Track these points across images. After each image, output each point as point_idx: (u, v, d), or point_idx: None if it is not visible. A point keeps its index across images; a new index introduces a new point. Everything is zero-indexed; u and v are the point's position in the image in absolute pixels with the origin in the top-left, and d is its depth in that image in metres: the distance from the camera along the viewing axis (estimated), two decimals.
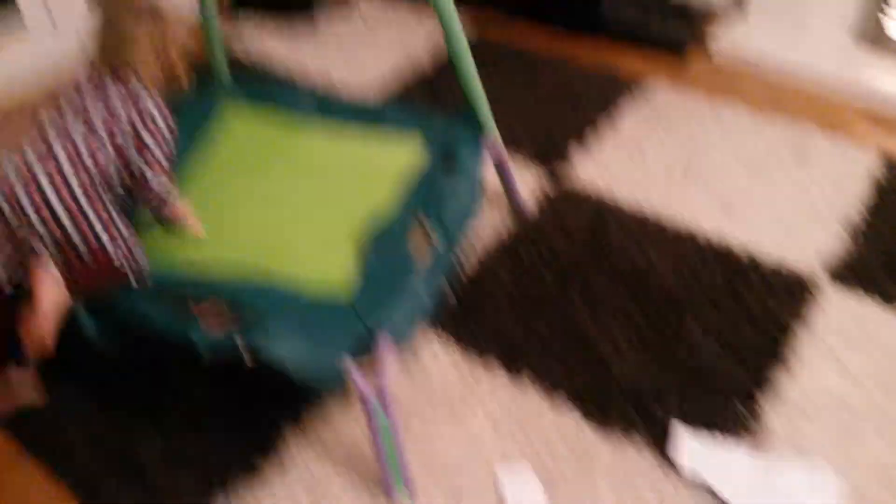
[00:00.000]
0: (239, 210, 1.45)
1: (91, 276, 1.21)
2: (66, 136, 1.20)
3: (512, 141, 2.03)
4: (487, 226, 1.78)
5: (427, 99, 2.24)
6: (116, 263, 1.21)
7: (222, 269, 1.29)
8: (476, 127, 1.59)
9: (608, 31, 2.53)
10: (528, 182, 1.92)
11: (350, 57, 2.47)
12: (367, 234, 1.35)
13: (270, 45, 2.56)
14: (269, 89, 1.78)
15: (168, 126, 1.28)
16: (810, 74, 2.30)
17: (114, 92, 1.25)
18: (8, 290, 1.19)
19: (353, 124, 1.67)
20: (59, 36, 2.41)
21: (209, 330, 1.15)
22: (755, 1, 2.48)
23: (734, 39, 2.45)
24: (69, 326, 1.23)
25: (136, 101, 1.25)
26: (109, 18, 1.26)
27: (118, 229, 1.21)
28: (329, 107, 1.71)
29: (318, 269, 1.29)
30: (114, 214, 1.22)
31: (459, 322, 1.56)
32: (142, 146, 1.25)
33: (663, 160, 2.00)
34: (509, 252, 1.72)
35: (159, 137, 1.27)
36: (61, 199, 1.16)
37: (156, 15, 1.28)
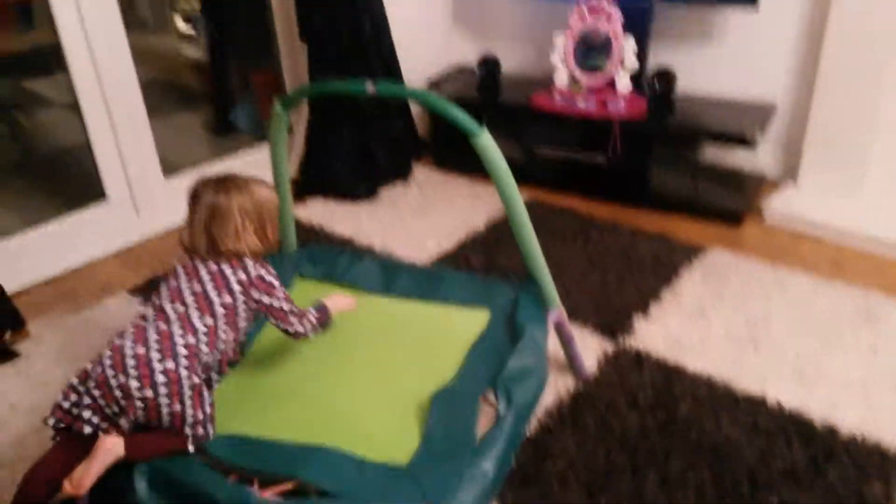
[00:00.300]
0: (303, 379, 1.46)
1: (158, 444, 1.24)
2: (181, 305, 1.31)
3: (571, 305, 2.04)
4: (549, 391, 1.75)
5: (484, 264, 2.29)
6: (187, 434, 1.24)
7: (283, 439, 1.28)
8: (539, 296, 1.61)
9: (659, 204, 2.61)
10: (590, 347, 1.90)
11: (408, 224, 2.57)
12: (432, 406, 1.34)
13: (331, 211, 2.69)
14: (334, 257, 1.85)
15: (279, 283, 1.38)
16: (869, 236, 2.29)
17: (219, 268, 1.34)
18: (87, 431, 1.24)
19: (418, 294, 1.71)
20: (140, 219, 2.61)
21: (267, 502, 1.13)
22: (807, 165, 2.53)
23: (788, 204, 2.48)
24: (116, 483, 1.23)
25: (244, 269, 1.35)
26: (208, 198, 1.36)
27: (202, 404, 1.25)
28: (394, 276, 1.76)
29: (382, 442, 1.28)
30: (203, 389, 1.26)
31: (522, 495, 1.49)
32: (264, 307, 1.36)
33: (727, 325, 1.97)
34: (572, 419, 1.67)
35: (277, 294, 1.36)
36: (164, 367, 1.22)
37: (249, 188, 1.39)
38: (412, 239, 2.49)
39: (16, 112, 2.95)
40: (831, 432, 1.61)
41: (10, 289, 2.15)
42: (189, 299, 1.31)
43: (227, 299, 1.32)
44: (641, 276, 2.19)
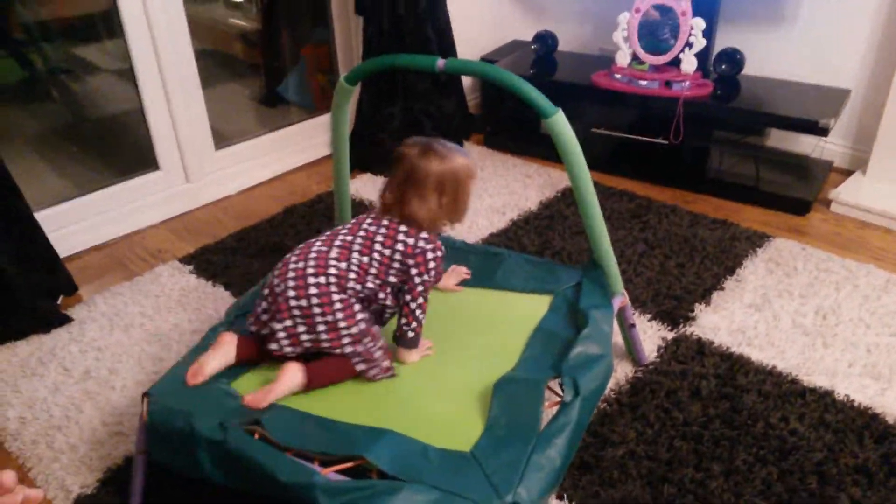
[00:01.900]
0: None
1: (333, 373, 1.35)
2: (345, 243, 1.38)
3: (629, 291, 1.98)
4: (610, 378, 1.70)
5: (538, 245, 2.23)
6: (358, 368, 1.35)
7: (349, 423, 1.25)
8: (604, 282, 1.56)
9: (721, 190, 2.52)
10: (648, 334, 1.84)
11: None
12: (494, 393, 1.29)
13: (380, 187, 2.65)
14: None
15: (436, 268, 1.40)
16: None
17: (397, 228, 1.39)
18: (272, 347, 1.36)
19: (479, 277, 1.66)
20: (191, 188, 2.61)
21: (330, 482, 1.10)
22: (879, 153, 2.42)
23: (857, 193, 2.38)
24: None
25: (415, 238, 1.39)
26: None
27: (356, 319, 1.33)
28: (454, 258, 1.72)
29: (445, 429, 1.24)
30: (355, 305, 1.34)
31: (583, 483, 1.45)
32: (408, 279, 1.39)
33: (794, 317, 1.89)
34: (632, 406, 1.62)
35: (426, 273, 1.39)
36: (316, 282, 1.32)
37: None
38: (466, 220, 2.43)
39: (66, 78, 2.96)
40: None
41: (62, 253, 2.16)
42: (359, 238, 1.38)
43: (387, 252, 1.37)
44: (702, 264, 2.12)
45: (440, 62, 1.42)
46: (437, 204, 1.39)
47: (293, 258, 1.38)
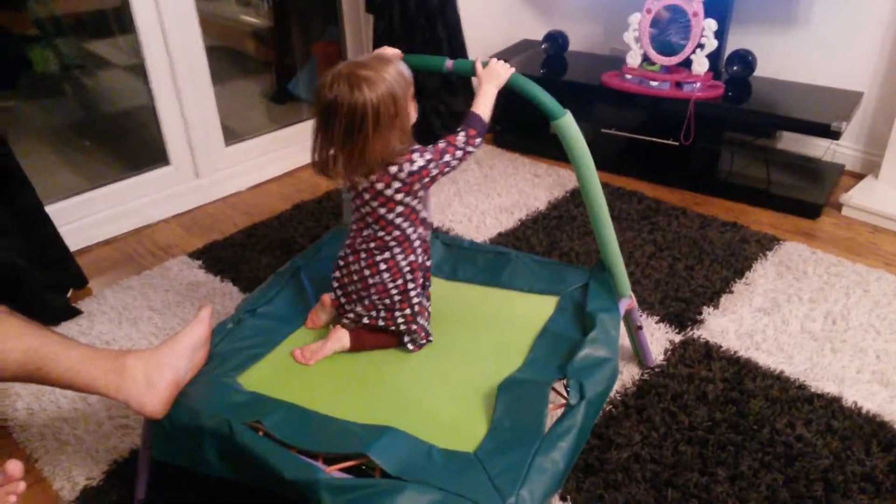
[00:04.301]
0: (369, 363, 1.42)
1: (376, 339, 1.43)
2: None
3: (637, 292, 1.98)
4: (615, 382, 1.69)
5: (546, 245, 2.23)
6: (401, 329, 1.41)
7: (353, 421, 1.25)
8: (612, 284, 1.55)
9: (731, 192, 2.51)
10: (656, 336, 1.84)
11: (466, 201, 2.52)
12: (499, 395, 1.29)
13: None
14: None
15: (433, 151, 1.31)
16: None
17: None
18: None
19: (485, 277, 1.66)
20: (201, 184, 2.62)
21: (334, 479, 1.10)
22: (891, 157, 2.40)
23: (868, 197, 2.36)
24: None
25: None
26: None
27: (409, 301, 1.39)
28: (460, 257, 1.72)
29: (448, 429, 1.24)
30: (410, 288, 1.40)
31: (586, 486, 1.45)
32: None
33: (803, 321, 1.88)
34: (637, 409, 1.62)
35: (430, 170, 1.30)
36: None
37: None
38: (471, 216, 2.44)
39: (79, 73, 2.97)
40: None
41: (72, 247, 2.17)
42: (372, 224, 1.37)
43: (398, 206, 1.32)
44: (711, 266, 2.11)
45: (448, 63, 1.42)
46: (390, 131, 1.24)
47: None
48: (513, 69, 1.39)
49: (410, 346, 1.43)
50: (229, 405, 1.26)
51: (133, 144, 2.80)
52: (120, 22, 2.40)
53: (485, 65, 1.38)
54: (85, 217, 2.36)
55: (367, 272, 1.38)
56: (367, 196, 1.32)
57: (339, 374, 1.39)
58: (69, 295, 2.10)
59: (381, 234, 1.34)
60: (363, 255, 1.38)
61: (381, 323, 1.41)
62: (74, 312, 2.00)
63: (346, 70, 1.22)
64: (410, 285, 1.39)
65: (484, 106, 1.36)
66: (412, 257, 1.38)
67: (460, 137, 1.31)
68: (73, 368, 1.25)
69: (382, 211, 1.32)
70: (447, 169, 1.31)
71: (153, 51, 2.36)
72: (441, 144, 1.31)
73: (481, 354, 1.44)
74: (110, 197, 2.42)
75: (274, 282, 1.62)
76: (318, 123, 1.27)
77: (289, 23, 3.33)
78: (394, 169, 1.27)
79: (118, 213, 2.42)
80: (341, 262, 1.43)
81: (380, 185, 1.29)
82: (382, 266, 1.36)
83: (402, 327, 1.41)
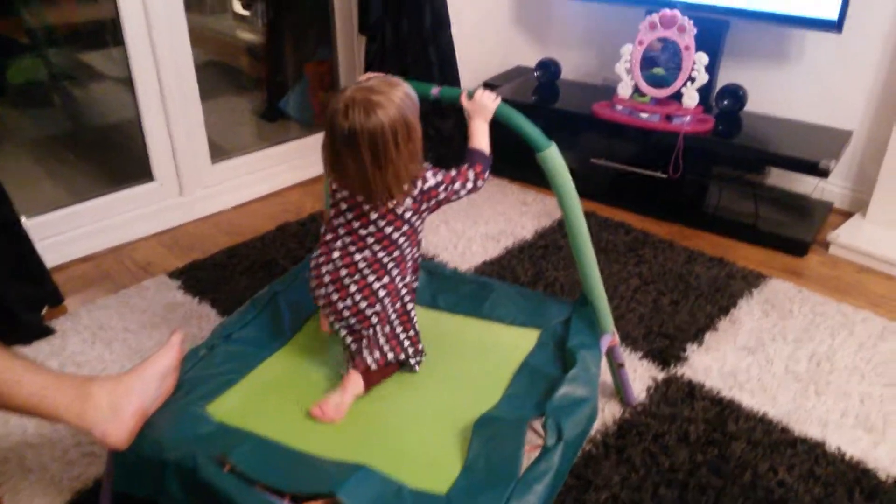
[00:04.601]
0: None
1: (381, 373, 1.38)
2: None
3: (620, 327, 1.95)
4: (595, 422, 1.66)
5: (531, 275, 2.20)
6: (409, 353, 1.40)
7: (320, 454, 1.21)
8: (594, 319, 1.52)
9: (719, 227, 2.50)
10: (639, 373, 1.81)
11: (453, 227, 2.49)
12: (474, 433, 1.26)
13: None
14: None
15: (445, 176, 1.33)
16: None
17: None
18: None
19: (466, 307, 1.63)
20: (185, 202, 2.59)
21: None
22: (879, 196, 2.39)
23: (856, 236, 2.35)
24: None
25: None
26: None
27: (411, 322, 1.39)
28: (441, 286, 1.69)
29: (421, 467, 1.20)
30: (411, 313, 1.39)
31: None
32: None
33: (787, 362, 1.86)
34: (617, 449, 1.59)
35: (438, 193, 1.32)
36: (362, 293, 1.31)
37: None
38: (457, 243, 2.41)
39: (68, 84, 2.95)
40: None
41: (51, 263, 2.14)
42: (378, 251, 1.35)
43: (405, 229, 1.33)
44: (697, 302, 2.08)
45: (435, 90, 1.40)
46: (412, 150, 1.24)
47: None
48: (499, 99, 1.37)
49: (417, 368, 1.42)
50: (195, 437, 1.22)
51: (120, 158, 2.77)
52: (115, 33, 2.38)
53: (471, 95, 1.36)
54: (65, 232, 2.31)
55: (363, 304, 1.31)
56: (374, 216, 1.28)
57: (310, 404, 1.35)
58: (44, 313, 2.05)
59: (381, 254, 1.30)
60: (352, 285, 1.31)
61: (390, 356, 1.37)
62: (47, 331, 1.95)
63: (359, 96, 1.19)
64: (409, 305, 1.38)
65: (481, 141, 1.37)
66: (409, 278, 1.37)
67: (471, 174, 1.34)
68: (37, 395, 1.21)
69: (389, 230, 1.29)
70: (454, 196, 1.33)
71: (141, 64, 2.33)
72: (453, 172, 1.32)
73: (459, 388, 1.41)
74: (91, 212, 2.38)
75: (251, 307, 1.58)
76: (336, 149, 1.22)
77: (282, 40, 3.32)
78: (407, 186, 1.27)
79: (99, 229, 2.38)
80: (322, 293, 1.34)
81: (391, 203, 1.27)
82: (382, 293, 1.32)
83: (410, 350, 1.40)
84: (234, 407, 1.34)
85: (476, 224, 2.53)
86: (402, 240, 1.31)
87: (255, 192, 2.76)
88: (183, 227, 2.54)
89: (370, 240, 1.30)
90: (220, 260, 2.29)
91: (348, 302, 1.31)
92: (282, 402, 1.36)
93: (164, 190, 2.52)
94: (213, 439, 1.22)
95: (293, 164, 2.87)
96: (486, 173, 1.36)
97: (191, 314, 2.02)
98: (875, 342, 1.93)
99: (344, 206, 1.31)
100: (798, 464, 1.55)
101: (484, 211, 2.62)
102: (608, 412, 1.68)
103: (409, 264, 1.36)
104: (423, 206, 1.31)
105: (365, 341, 1.36)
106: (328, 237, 1.34)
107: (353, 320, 1.33)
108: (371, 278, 1.31)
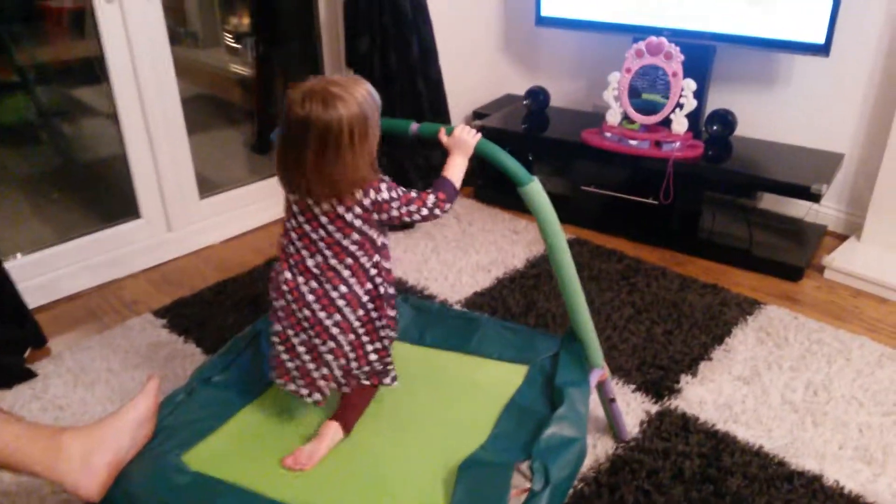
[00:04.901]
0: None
1: (359, 409, 1.36)
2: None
3: (613, 358, 1.92)
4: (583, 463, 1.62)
5: (522, 306, 2.17)
6: (377, 370, 1.36)
7: (300, 498, 1.18)
8: (582, 354, 1.49)
9: (712, 253, 2.47)
10: (632, 406, 1.77)
11: (443, 258, 2.47)
12: (459, 477, 1.22)
13: None
14: None
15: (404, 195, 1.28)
16: None
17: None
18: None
19: (453, 343, 1.60)
20: (173, 238, 2.57)
21: None
22: (873, 220, 2.37)
23: (851, 260, 2.32)
24: None
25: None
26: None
27: (378, 333, 1.32)
28: (428, 322, 1.66)
29: None
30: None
31: None
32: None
33: (783, 392, 1.82)
34: (610, 487, 1.54)
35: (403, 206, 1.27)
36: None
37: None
38: (447, 273, 2.38)
39: (59, 121, 2.94)
40: None
41: (37, 302, 2.11)
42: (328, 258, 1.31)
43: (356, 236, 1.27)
44: (691, 331, 2.05)
45: (414, 126, 1.38)
46: (362, 152, 1.20)
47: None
48: (479, 135, 1.35)
49: (394, 384, 1.39)
50: (170, 488, 1.19)
51: (108, 195, 2.75)
52: (104, 69, 2.37)
53: (449, 132, 1.34)
54: (50, 272, 2.29)
55: (322, 314, 1.26)
56: (324, 220, 1.25)
57: (291, 451, 1.32)
58: (27, 355, 2.02)
59: (333, 261, 1.26)
60: (309, 294, 1.26)
61: (354, 366, 1.31)
62: (29, 375, 1.92)
63: (318, 86, 1.17)
64: (374, 314, 1.31)
65: (453, 174, 1.34)
66: (369, 285, 1.29)
67: (430, 199, 1.29)
68: (10, 446, 1.18)
69: (338, 236, 1.25)
70: (407, 218, 1.28)
71: (126, 101, 2.33)
72: (413, 194, 1.28)
73: (445, 428, 1.38)
74: (78, 251, 2.35)
75: (232, 347, 1.56)
76: (286, 140, 1.21)
77: (272, 73, 3.32)
78: (359, 194, 1.23)
79: (84, 268, 2.35)
80: (282, 304, 1.30)
81: (340, 209, 1.23)
82: (341, 302, 1.27)
83: (378, 364, 1.34)
84: (211, 456, 1.30)
85: (467, 254, 2.50)
86: (353, 247, 1.26)
87: (245, 226, 2.74)
88: (171, 262, 2.51)
89: (321, 244, 1.26)
90: (207, 296, 2.26)
91: (306, 312, 1.27)
92: (262, 451, 1.32)
93: (151, 227, 2.50)
94: (188, 491, 1.19)
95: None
96: (448, 204, 1.30)
97: (175, 354, 1.98)
98: (873, 369, 1.89)
99: (296, 208, 1.28)
100: (795, 499, 1.51)
101: (476, 240, 2.60)
102: (600, 448, 1.64)
103: (374, 272, 1.29)
104: (375, 217, 1.26)
105: (330, 354, 1.29)
106: (284, 242, 1.31)
107: (312, 332, 1.27)
108: (327, 286, 1.26)
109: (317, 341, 1.28)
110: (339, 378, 1.32)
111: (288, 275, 1.28)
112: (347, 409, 1.35)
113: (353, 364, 1.32)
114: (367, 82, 1.25)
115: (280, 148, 1.24)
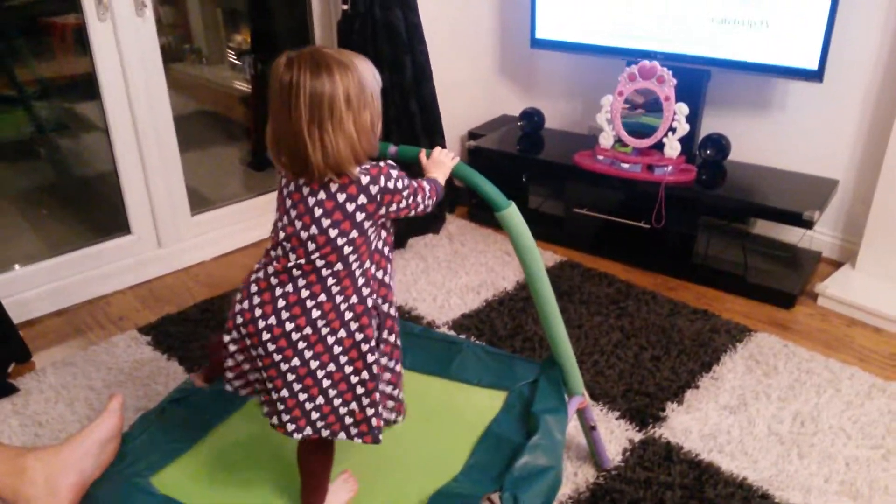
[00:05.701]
0: (295, 463, 1.33)
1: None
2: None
3: (598, 383, 1.90)
4: (565, 482, 1.59)
5: (509, 329, 2.15)
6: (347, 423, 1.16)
7: None
8: (562, 380, 1.47)
9: (703, 278, 2.45)
10: (615, 434, 1.74)
11: (433, 279, 2.45)
12: None
13: None
14: None
15: (409, 185, 1.14)
16: None
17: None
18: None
19: (432, 367, 1.58)
20: (163, 254, 2.56)
21: None
22: (867, 247, 2.34)
23: (844, 288, 2.29)
24: None
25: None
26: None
27: (364, 360, 1.12)
28: (408, 345, 1.63)
29: None
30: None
31: None
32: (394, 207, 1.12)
33: (770, 422, 1.79)
34: None
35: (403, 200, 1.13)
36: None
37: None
38: (436, 294, 2.37)
39: (55, 135, 2.96)
40: None
41: (25, 317, 2.11)
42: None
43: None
44: (679, 358, 2.02)
45: (392, 149, 1.38)
46: (358, 124, 1.05)
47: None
48: (457, 159, 1.34)
49: (401, 419, 1.24)
50: None
51: (101, 210, 2.75)
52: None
53: (428, 155, 1.34)
54: (39, 286, 2.29)
55: (289, 325, 1.07)
56: (318, 212, 1.06)
57: (261, 478, 1.30)
58: (11, 370, 2.01)
59: (319, 262, 1.07)
60: (281, 299, 1.08)
61: (337, 403, 1.11)
62: (10, 390, 1.91)
63: (308, 51, 1.03)
64: (359, 336, 1.10)
65: (438, 179, 1.27)
66: (354, 299, 1.10)
67: (426, 184, 1.18)
68: None
69: (333, 233, 1.06)
70: (409, 212, 1.15)
71: (117, 118, 2.33)
72: (415, 184, 1.15)
73: (419, 457, 1.36)
74: (67, 266, 2.35)
75: None
76: (271, 111, 1.05)
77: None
78: (365, 179, 1.06)
79: (73, 283, 2.35)
80: (245, 307, 1.11)
81: (341, 197, 1.06)
82: (315, 313, 1.08)
83: (369, 408, 1.12)
84: (183, 478, 1.29)
85: (457, 275, 2.49)
86: (347, 248, 1.07)
87: (237, 243, 2.73)
88: (160, 279, 2.51)
89: (311, 245, 1.07)
90: (193, 314, 2.25)
91: (272, 320, 1.07)
92: (233, 474, 1.30)
93: (141, 243, 2.50)
94: None
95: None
96: (436, 199, 1.21)
97: (157, 371, 1.97)
98: (862, 401, 1.86)
99: (285, 191, 1.11)
100: None
101: (466, 261, 2.58)
102: (581, 476, 1.62)
103: (361, 281, 1.11)
104: (381, 211, 1.09)
105: (296, 385, 1.09)
106: (269, 244, 1.14)
107: (271, 346, 1.07)
108: (304, 293, 1.08)
109: (277, 357, 1.10)
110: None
111: (261, 274, 1.12)
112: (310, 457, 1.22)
113: (337, 402, 1.13)
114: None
115: (271, 126, 1.07)
